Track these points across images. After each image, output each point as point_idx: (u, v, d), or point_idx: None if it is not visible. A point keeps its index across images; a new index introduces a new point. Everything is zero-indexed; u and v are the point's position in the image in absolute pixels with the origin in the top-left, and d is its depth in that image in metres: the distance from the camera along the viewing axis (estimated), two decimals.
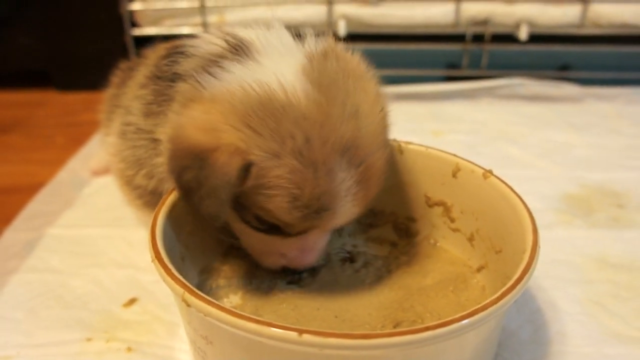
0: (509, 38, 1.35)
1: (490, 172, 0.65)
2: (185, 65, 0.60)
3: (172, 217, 0.60)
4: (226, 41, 0.60)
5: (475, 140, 1.15)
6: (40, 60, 1.53)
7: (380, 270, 0.68)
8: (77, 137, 1.22)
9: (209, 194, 0.52)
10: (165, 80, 0.62)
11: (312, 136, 0.51)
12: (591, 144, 1.14)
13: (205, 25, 1.34)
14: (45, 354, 0.64)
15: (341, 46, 0.61)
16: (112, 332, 0.67)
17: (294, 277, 0.66)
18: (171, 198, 0.61)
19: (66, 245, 0.83)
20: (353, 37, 1.35)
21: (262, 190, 0.53)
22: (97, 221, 0.89)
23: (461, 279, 0.65)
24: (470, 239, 0.68)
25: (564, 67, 1.42)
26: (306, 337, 0.42)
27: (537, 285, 0.72)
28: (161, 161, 0.64)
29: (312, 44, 0.59)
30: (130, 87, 0.74)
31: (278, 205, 0.53)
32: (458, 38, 1.37)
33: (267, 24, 0.62)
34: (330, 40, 0.61)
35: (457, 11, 1.32)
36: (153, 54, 0.76)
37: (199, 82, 0.56)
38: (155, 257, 0.52)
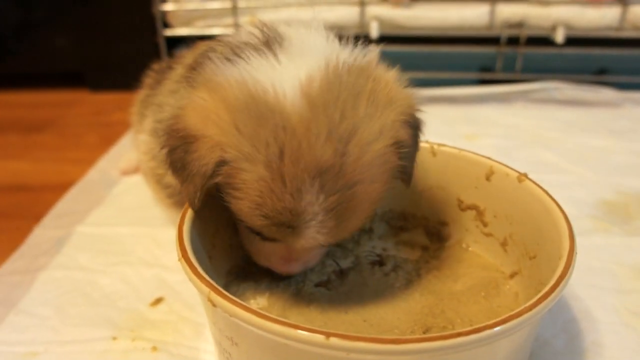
0: (544, 41, 1.33)
1: (526, 175, 0.63)
2: (218, 51, 0.59)
3: (200, 217, 0.59)
4: (262, 32, 0.59)
5: (509, 145, 1.13)
6: (74, 61, 1.55)
7: (410, 274, 0.66)
8: (108, 137, 1.22)
9: (188, 178, 0.53)
10: (199, 69, 0.62)
11: (287, 150, 0.48)
12: (629, 150, 1.11)
13: (237, 26, 1.34)
14: (71, 351, 0.64)
15: (377, 63, 0.57)
16: (138, 331, 0.66)
17: (322, 280, 0.65)
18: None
19: (95, 243, 0.84)
20: (385, 39, 1.34)
21: (231, 190, 0.52)
22: (126, 220, 0.89)
23: (493, 285, 0.64)
24: (504, 244, 0.66)
25: (601, 71, 1.39)
26: (333, 340, 0.41)
27: (572, 294, 0.70)
28: None
29: (345, 53, 0.55)
30: (165, 84, 0.74)
31: (243, 208, 0.52)
32: (492, 40, 1.35)
33: (308, 24, 0.60)
34: (373, 54, 0.58)
35: (492, 13, 1.30)
36: (190, 53, 0.75)
37: (215, 67, 0.55)
38: (182, 256, 0.52)
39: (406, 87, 0.58)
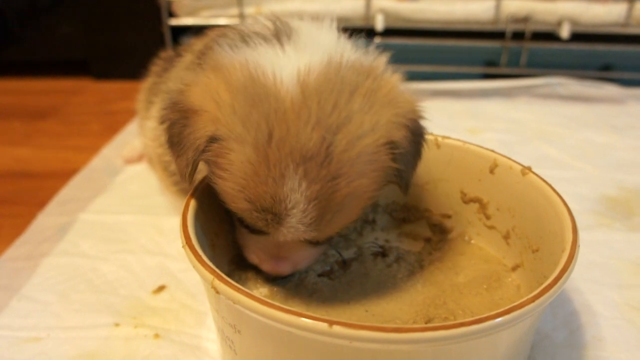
0: (549, 36, 1.33)
1: (529, 168, 0.63)
2: (229, 37, 0.60)
3: (204, 205, 0.60)
4: (274, 24, 0.60)
5: (512, 139, 1.13)
6: (79, 49, 1.55)
7: (412, 265, 0.66)
8: (112, 125, 1.23)
9: (182, 152, 0.53)
10: (208, 54, 0.62)
11: (275, 133, 0.49)
12: (632, 147, 1.11)
13: (242, 16, 1.34)
14: (74, 337, 0.64)
15: (383, 65, 0.57)
16: (140, 319, 0.66)
17: (324, 270, 0.65)
18: (203, 185, 0.61)
19: (98, 231, 0.84)
20: (391, 32, 1.34)
21: (218, 170, 0.52)
22: (129, 208, 0.90)
23: (495, 277, 0.64)
24: (506, 237, 0.66)
25: (606, 67, 1.39)
26: (336, 328, 0.41)
27: (574, 288, 0.70)
28: None
29: (352, 52, 0.56)
30: (173, 71, 0.74)
31: (228, 190, 0.52)
32: (497, 35, 1.35)
33: (320, 21, 0.61)
34: (381, 58, 0.58)
35: (498, 8, 1.30)
36: (200, 40, 0.76)
37: (224, 51, 0.56)
38: (186, 242, 0.52)
39: (410, 92, 0.58)
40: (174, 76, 0.72)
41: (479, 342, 0.45)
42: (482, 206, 0.69)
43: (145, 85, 0.88)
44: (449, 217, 0.72)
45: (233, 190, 0.51)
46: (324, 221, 0.52)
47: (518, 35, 1.34)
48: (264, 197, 0.50)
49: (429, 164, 0.71)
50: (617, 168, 1.02)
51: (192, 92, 0.54)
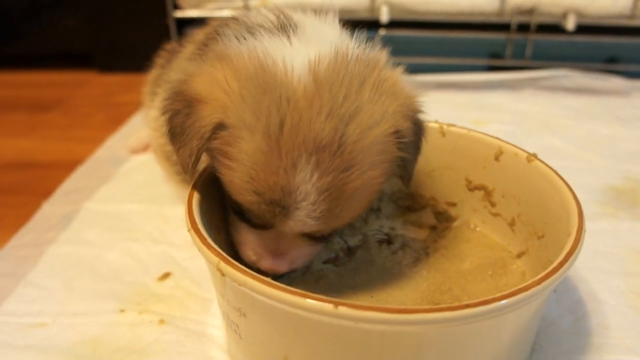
0: (555, 28, 1.32)
1: (535, 155, 0.63)
2: (231, 29, 0.59)
3: (209, 191, 0.59)
4: (277, 17, 0.59)
5: (517, 131, 1.13)
6: (82, 42, 1.55)
7: (417, 252, 0.66)
8: (115, 117, 1.23)
9: (185, 142, 0.52)
10: (210, 45, 0.62)
11: (287, 122, 0.48)
12: (637, 138, 1.11)
13: (247, 8, 1.34)
14: (79, 322, 0.64)
15: (386, 59, 0.57)
16: (145, 305, 0.66)
17: (329, 257, 0.65)
18: (208, 172, 0.61)
19: (102, 220, 0.84)
20: (396, 24, 1.34)
21: (225, 160, 0.51)
22: (134, 197, 0.90)
23: (500, 264, 0.64)
24: (511, 224, 0.66)
25: (611, 60, 1.38)
26: (342, 309, 0.41)
27: (579, 276, 0.70)
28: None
29: (356, 46, 0.56)
30: (176, 62, 0.74)
31: (235, 181, 0.51)
32: (502, 27, 1.35)
33: (323, 15, 0.61)
34: (383, 52, 0.58)
35: None
36: (202, 31, 0.75)
37: (226, 42, 0.56)
38: (192, 226, 0.52)
39: (411, 86, 0.58)
40: (176, 67, 0.72)
41: (484, 325, 0.45)
42: (487, 193, 0.69)
43: (150, 77, 0.88)
44: (454, 204, 0.72)
45: (241, 181, 0.50)
46: (333, 214, 0.51)
47: (523, 27, 1.33)
48: (274, 189, 0.49)
49: (434, 151, 0.71)
50: (623, 159, 1.01)
51: (196, 82, 0.53)
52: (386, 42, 0.55)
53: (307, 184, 0.48)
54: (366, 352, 0.45)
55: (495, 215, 0.68)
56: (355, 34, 0.58)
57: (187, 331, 0.63)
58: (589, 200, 0.87)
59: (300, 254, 0.58)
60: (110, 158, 1.04)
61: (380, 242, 0.69)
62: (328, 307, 0.42)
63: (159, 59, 0.88)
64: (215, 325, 0.63)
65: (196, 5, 1.39)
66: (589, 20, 1.30)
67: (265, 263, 0.57)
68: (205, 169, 0.60)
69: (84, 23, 1.52)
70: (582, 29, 1.30)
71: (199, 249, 0.50)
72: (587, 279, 0.70)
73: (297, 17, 0.60)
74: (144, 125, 0.97)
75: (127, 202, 0.88)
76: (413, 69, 1.35)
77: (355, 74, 0.51)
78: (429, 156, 0.71)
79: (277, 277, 0.58)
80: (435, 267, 0.64)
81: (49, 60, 1.59)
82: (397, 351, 0.45)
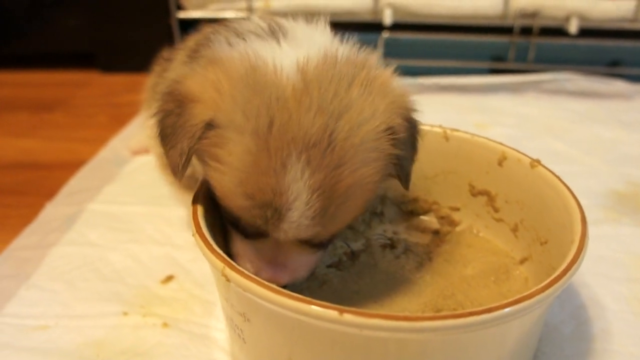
0: (558, 31, 1.32)
1: (538, 161, 0.63)
2: (221, 35, 0.60)
3: (213, 199, 0.59)
4: (268, 24, 0.60)
5: (520, 134, 1.13)
6: (85, 42, 1.55)
7: (420, 257, 0.67)
8: (118, 117, 1.23)
9: (176, 142, 0.52)
10: (201, 50, 0.62)
11: (276, 121, 0.48)
12: None
13: (250, 9, 1.34)
14: (82, 325, 0.64)
15: (376, 60, 0.57)
16: (148, 308, 0.67)
17: (333, 261, 0.66)
18: None
19: (105, 221, 0.84)
20: (399, 27, 1.34)
21: (215, 163, 0.51)
22: (137, 198, 0.90)
23: (503, 270, 0.64)
24: (514, 230, 0.66)
25: (614, 63, 1.38)
26: (347, 316, 0.42)
27: (582, 282, 0.70)
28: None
29: (345, 48, 0.56)
30: (170, 72, 0.74)
31: (225, 184, 0.51)
32: (505, 30, 1.35)
33: (311, 18, 0.61)
34: (372, 53, 0.58)
35: (506, 2, 1.30)
36: (195, 36, 0.76)
37: (218, 47, 0.56)
38: (197, 231, 0.52)
39: (402, 84, 0.57)
40: (170, 76, 0.72)
41: (488, 332, 0.45)
42: (491, 199, 0.69)
43: (148, 83, 0.88)
44: (457, 209, 0.73)
45: (231, 184, 0.50)
46: (328, 214, 0.50)
47: (526, 31, 1.33)
48: (264, 190, 0.48)
49: (437, 156, 0.71)
50: (626, 163, 1.01)
51: (189, 82, 0.53)
52: (389, 44, 0.55)
53: (298, 183, 0.48)
54: (370, 358, 0.45)
55: (499, 220, 0.68)
56: (345, 38, 0.58)
57: (191, 334, 0.63)
58: (592, 205, 0.87)
59: (300, 263, 0.57)
60: (113, 159, 1.04)
61: (384, 246, 0.69)
62: (333, 314, 0.42)
63: (156, 67, 0.88)
64: (219, 329, 0.64)
65: (199, 6, 1.39)
66: (592, 24, 1.30)
67: (265, 274, 0.55)
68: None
69: (86, 23, 1.52)
70: (585, 33, 1.30)
71: (203, 254, 0.50)
72: (589, 284, 0.70)
73: (287, 23, 0.60)
74: (143, 128, 0.97)
75: (130, 203, 0.88)
76: (415, 72, 1.37)
77: (344, 73, 0.51)
78: (433, 161, 0.71)
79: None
80: (438, 272, 0.64)
81: (51, 60, 1.59)
82: (401, 357, 0.45)
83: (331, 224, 0.52)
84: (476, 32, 1.35)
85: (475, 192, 0.71)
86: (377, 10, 1.33)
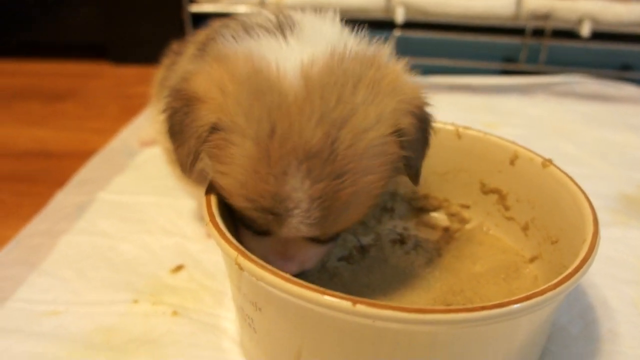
0: (569, 34, 1.32)
1: (550, 161, 0.64)
2: (230, 30, 0.59)
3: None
4: (277, 17, 0.59)
5: (529, 136, 1.12)
6: (97, 33, 1.56)
7: (430, 253, 0.67)
8: (129, 109, 1.23)
9: (184, 141, 0.52)
10: (210, 45, 0.62)
11: (277, 129, 0.47)
12: None
13: (262, 3, 1.34)
14: (92, 312, 0.65)
15: (387, 55, 0.56)
16: (158, 296, 0.67)
17: (343, 255, 0.66)
18: None
19: (116, 211, 0.85)
20: (411, 25, 1.34)
21: (218, 164, 0.51)
22: (147, 189, 0.90)
23: (513, 268, 0.64)
24: (525, 229, 0.67)
25: (625, 67, 1.38)
26: (360, 307, 0.42)
27: (590, 282, 0.70)
28: None
29: (354, 42, 0.55)
30: (178, 66, 0.74)
31: (227, 186, 0.51)
32: (517, 31, 1.35)
33: (322, 11, 0.60)
34: (383, 48, 0.56)
35: (519, 3, 1.30)
36: (203, 32, 0.76)
37: (225, 42, 0.56)
38: (210, 220, 0.52)
39: (414, 79, 0.56)
40: (179, 71, 0.72)
41: (498, 327, 0.46)
42: (502, 197, 0.69)
43: (157, 77, 0.88)
44: (467, 207, 0.73)
45: (232, 187, 0.50)
46: (328, 221, 0.50)
47: (538, 32, 1.33)
48: (264, 196, 0.48)
49: (449, 153, 0.71)
50: (635, 167, 1.01)
51: (195, 80, 0.53)
52: (401, 43, 0.55)
53: (298, 192, 0.48)
54: (380, 350, 0.46)
55: (509, 219, 0.69)
56: (356, 32, 0.57)
57: (200, 323, 0.63)
58: (601, 208, 0.85)
59: (309, 255, 0.57)
60: (124, 149, 1.05)
61: (394, 241, 0.69)
62: (346, 304, 0.42)
63: (166, 59, 0.88)
64: (228, 318, 0.64)
65: (212, 0, 1.39)
66: (604, 27, 1.29)
67: (276, 267, 0.55)
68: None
69: (99, 14, 1.53)
70: (596, 36, 1.30)
71: (217, 243, 0.50)
72: (598, 285, 0.70)
73: (296, 16, 0.59)
74: (152, 121, 0.98)
75: (140, 193, 0.89)
76: (426, 70, 1.37)
77: (350, 74, 0.50)
78: (444, 158, 0.71)
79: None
80: (447, 268, 0.65)
81: (64, 51, 1.60)
82: (410, 350, 0.45)
83: (334, 227, 0.52)
84: (488, 33, 1.36)
85: (486, 190, 0.71)
86: (389, 8, 1.33)
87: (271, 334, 0.52)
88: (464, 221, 0.72)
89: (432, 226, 0.72)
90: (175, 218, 0.82)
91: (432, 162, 0.62)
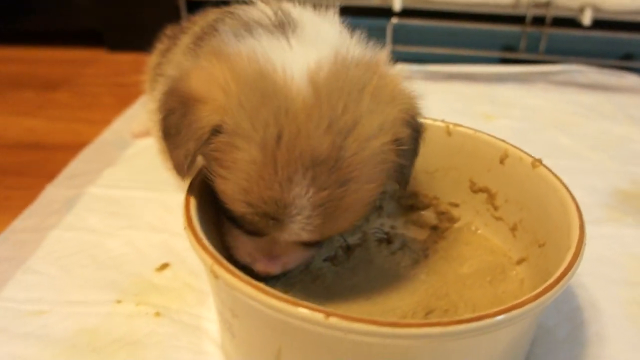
0: (570, 22, 1.30)
1: (540, 161, 0.62)
2: (227, 25, 0.58)
3: (208, 186, 0.59)
4: (275, 13, 0.58)
5: (527, 127, 1.11)
6: (94, 20, 1.54)
7: (417, 254, 0.66)
8: (124, 98, 1.22)
9: (181, 143, 0.51)
10: (206, 40, 0.61)
11: (285, 134, 0.46)
12: None
13: None
14: (76, 312, 0.65)
15: (386, 61, 0.56)
16: (142, 296, 0.67)
17: (329, 255, 0.65)
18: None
19: (105, 205, 0.84)
20: (408, 13, 1.32)
21: (219, 168, 0.50)
22: (137, 183, 0.89)
23: (500, 270, 0.63)
24: (513, 229, 0.66)
25: (627, 56, 1.36)
26: (332, 320, 0.41)
27: (579, 283, 0.69)
28: None
29: (355, 47, 0.55)
30: (175, 54, 0.73)
31: (228, 191, 0.50)
32: (517, 19, 1.32)
33: (323, 9, 0.60)
34: (382, 53, 0.56)
35: None
36: (200, 20, 0.74)
37: (224, 39, 0.54)
38: (188, 225, 0.52)
39: (410, 86, 0.56)
40: (174, 59, 0.71)
41: (478, 339, 0.45)
42: (491, 196, 0.68)
43: (150, 63, 0.87)
44: (456, 205, 0.72)
45: (234, 192, 0.49)
46: (327, 227, 0.50)
47: (538, 20, 1.31)
48: (268, 203, 0.48)
49: (439, 151, 0.70)
50: (632, 160, 1.00)
51: (194, 80, 0.51)
52: (398, 30, 0.54)
53: (302, 199, 0.47)
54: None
55: (498, 219, 0.68)
56: (354, 31, 0.57)
57: (183, 324, 0.63)
58: (595, 204, 0.86)
59: (295, 258, 0.58)
60: (116, 141, 1.04)
61: (380, 241, 0.69)
62: (319, 316, 0.41)
63: (160, 45, 0.87)
64: (211, 319, 0.63)
65: None
66: (606, 16, 1.27)
67: (260, 266, 0.56)
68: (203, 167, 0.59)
69: (95, 1, 1.52)
70: (598, 24, 1.28)
71: (193, 249, 0.49)
72: (587, 286, 0.69)
73: (295, 13, 0.58)
74: (145, 111, 0.97)
75: (130, 188, 0.88)
76: (424, 59, 1.35)
77: (354, 81, 0.50)
78: (434, 155, 0.70)
79: (269, 278, 0.58)
80: (433, 269, 0.64)
81: (60, 37, 1.58)
82: None
83: (329, 232, 0.52)
84: (487, 21, 1.33)
85: (475, 189, 0.70)
86: None
87: (249, 339, 0.51)
88: (452, 220, 0.71)
89: (421, 225, 0.72)
90: (163, 214, 0.82)
91: (422, 160, 0.61)
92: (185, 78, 0.52)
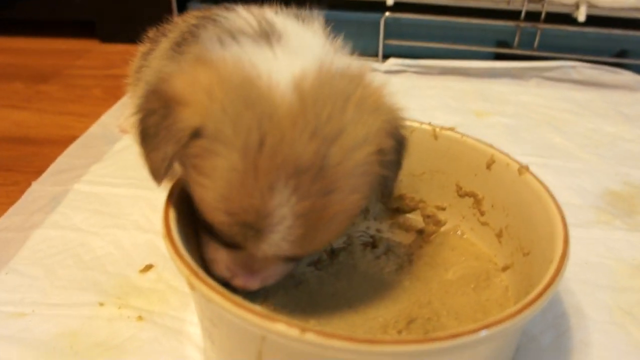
0: (565, 18, 1.29)
1: (526, 168, 0.62)
2: (209, 32, 0.57)
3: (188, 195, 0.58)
4: (258, 22, 0.57)
5: (519, 125, 1.11)
6: (86, 10, 1.53)
7: (401, 259, 0.66)
8: (114, 91, 1.21)
9: (159, 145, 0.49)
10: (185, 46, 0.60)
11: (267, 140, 0.45)
12: None
13: None
14: (58, 314, 0.64)
15: (370, 72, 0.55)
16: (125, 299, 0.66)
17: (312, 260, 0.65)
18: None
19: (91, 203, 0.83)
20: (402, 7, 1.31)
21: (197, 176, 0.49)
22: (124, 180, 0.88)
23: (484, 277, 0.63)
24: (499, 235, 0.65)
25: (622, 53, 1.35)
26: (308, 335, 0.41)
27: (565, 288, 0.69)
28: None
29: (340, 58, 0.54)
30: (154, 57, 0.72)
31: (207, 199, 0.49)
32: (511, 15, 1.32)
33: (307, 19, 0.60)
34: (366, 64, 0.56)
35: None
36: (181, 23, 0.74)
37: (208, 46, 0.53)
38: (167, 234, 0.51)
39: (393, 98, 0.55)
40: (153, 64, 0.70)
41: (455, 357, 0.44)
42: (477, 201, 0.68)
43: (132, 66, 0.86)
44: (443, 209, 0.72)
45: (213, 200, 0.48)
46: (308, 239, 0.49)
47: (533, 16, 1.30)
48: (248, 211, 0.47)
49: (425, 154, 0.70)
50: (624, 161, 0.99)
51: (177, 81, 0.50)
52: (391, 24, 0.54)
53: (283, 208, 0.46)
54: None
55: (484, 224, 0.67)
56: (338, 40, 0.57)
57: (165, 328, 0.62)
58: (585, 205, 0.85)
59: (273, 273, 0.56)
60: (103, 135, 1.03)
61: (365, 244, 0.68)
62: (294, 332, 0.41)
63: (142, 47, 0.86)
64: (194, 323, 0.63)
65: None
66: (601, 12, 1.27)
67: (239, 281, 0.55)
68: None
69: None
70: (592, 20, 1.27)
71: (172, 259, 0.49)
72: (573, 291, 0.69)
73: (279, 23, 0.57)
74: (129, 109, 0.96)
75: (116, 185, 0.87)
76: (417, 53, 1.34)
77: (339, 91, 0.49)
78: (421, 158, 0.70)
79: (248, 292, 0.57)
80: (417, 276, 0.63)
81: (52, 27, 1.57)
82: None
83: (311, 246, 0.51)
84: (482, 16, 1.33)
85: (462, 193, 0.69)
86: None
87: (228, 347, 0.51)
88: (439, 223, 0.71)
89: (407, 228, 0.71)
90: (149, 213, 0.81)
91: (409, 163, 0.61)
92: (167, 80, 0.51)
